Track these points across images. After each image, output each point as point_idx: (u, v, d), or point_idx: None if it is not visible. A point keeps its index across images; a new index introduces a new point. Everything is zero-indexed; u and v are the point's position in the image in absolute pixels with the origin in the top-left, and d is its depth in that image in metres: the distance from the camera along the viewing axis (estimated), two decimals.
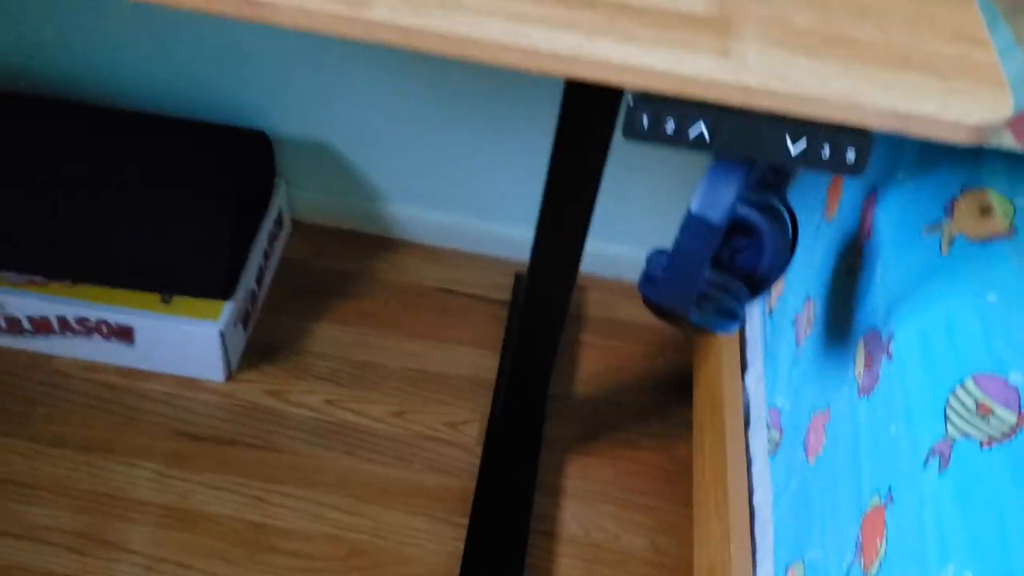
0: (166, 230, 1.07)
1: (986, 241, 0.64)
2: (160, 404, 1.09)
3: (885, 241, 0.70)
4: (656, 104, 0.49)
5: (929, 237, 0.67)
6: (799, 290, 0.84)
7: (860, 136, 0.49)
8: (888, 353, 0.64)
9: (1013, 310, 0.59)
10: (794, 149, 0.50)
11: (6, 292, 1.06)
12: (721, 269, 0.62)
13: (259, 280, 1.19)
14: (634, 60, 0.48)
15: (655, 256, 0.62)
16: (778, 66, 0.49)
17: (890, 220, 0.71)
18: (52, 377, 1.10)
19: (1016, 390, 0.56)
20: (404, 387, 1.15)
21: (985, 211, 0.66)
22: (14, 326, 1.08)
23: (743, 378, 0.97)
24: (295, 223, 1.31)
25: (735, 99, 0.49)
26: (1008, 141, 0.66)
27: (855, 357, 0.70)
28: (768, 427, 0.85)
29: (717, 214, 0.55)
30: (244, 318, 1.14)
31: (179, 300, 1.09)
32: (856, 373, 0.69)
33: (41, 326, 1.08)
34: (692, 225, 0.56)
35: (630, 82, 0.49)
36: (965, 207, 0.67)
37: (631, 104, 0.49)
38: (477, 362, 1.19)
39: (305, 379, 1.15)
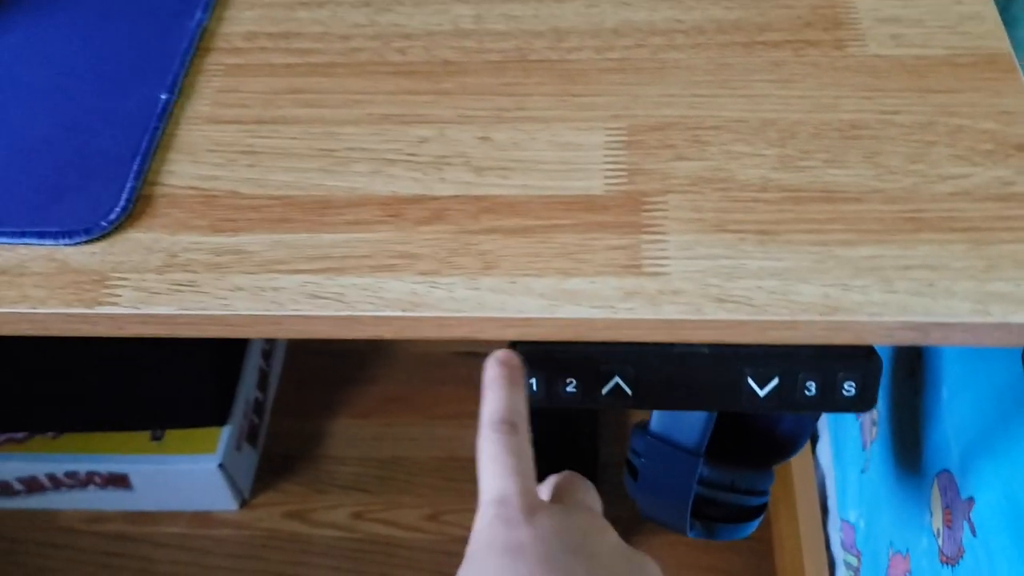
0: (140, 360, 0.96)
1: None
2: (173, 550, 0.99)
3: (948, 349, 0.52)
4: (545, 358, 0.33)
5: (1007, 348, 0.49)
6: None
7: (861, 359, 0.32)
8: (971, 523, 0.47)
9: None
10: (762, 391, 0.33)
11: None
12: (719, 456, 0.46)
13: (262, 385, 1.07)
14: (494, 303, 0.32)
15: (637, 435, 0.46)
16: (717, 273, 0.32)
17: None
18: (57, 536, 1.01)
19: None
20: (436, 482, 1.02)
21: None
22: (6, 489, 1.00)
23: (814, 450, 0.81)
24: None
25: (658, 337, 0.32)
26: None
27: (931, 503, 0.53)
28: (844, 547, 0.69)
29: (692, 436, 0.39)
30: (251, 434, 1.02)
31: (172, 434, 0.98)
32: (935, 527, 0.52)
33: (32, 486, 0.99)
34: (654, 449, 0.40)
35: (497, 334, 0.33)
36: None
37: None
38: None
39: (328, 491, 1.03)
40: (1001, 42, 0.39)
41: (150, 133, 0.38)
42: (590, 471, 0.98)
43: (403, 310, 0.32)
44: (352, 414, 1.08)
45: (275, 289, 0.33)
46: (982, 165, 0.35)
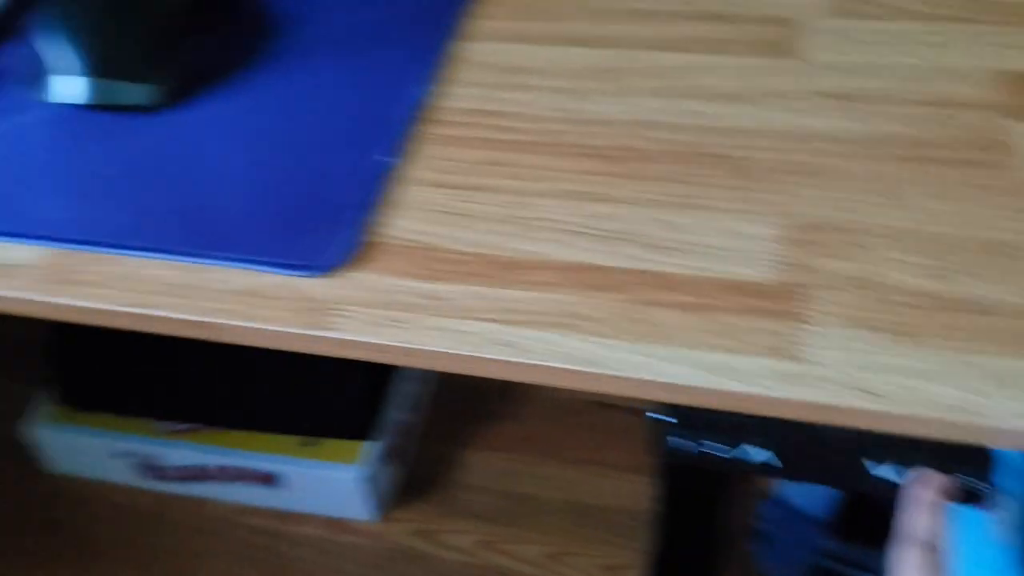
0: (303, 372, 1.04)
1: None
2: (311, 550, 1.07)
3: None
4: (697, 423, 0.38)
5: None
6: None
7: (982, 457, 0.35)
8: None
9: None
10: (896, 477, 0.36)
11: (161, 444, 1.08)
12: (851, 532, 0.49)
13: (415, 408, 1.14)
14: (659, 369, 0.37)
15: (767, 504, 0.50)
16: (860, 365, 0.36)
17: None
18: (209, 523, 1.10)
19: None
20: (562, 523, 1.07)
21: None
22: (171, 474, 1.10)
23: None
24: None
25: (802, 417, 0.36)
26: None
27: None
28: None
29: (821, 509, 0.43)
30: (397, 452, 1.09)
31: (323, 442, 1.06)
32: None
33: (194, 474, 1.09)
34: (782, 517, 0.44)
35: (658, 397, 0.38)
36: None
37: (655, 424, 0.38)
38: (639, 491, 1.08)
39: (459, 517, 1.09)
40: None
41: (375, 189, 0.45)
42: (715, 535, 1.00)
43: (576, 365, 0.38)
44: (489, 447, 1.14)
45: (468, 333, 0.39)
46: None
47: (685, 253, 0.41)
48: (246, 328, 0.41)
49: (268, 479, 1.06)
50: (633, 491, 1.07)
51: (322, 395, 1.03)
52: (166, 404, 1.08)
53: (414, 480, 1.11)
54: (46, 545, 1.10)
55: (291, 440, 1.05)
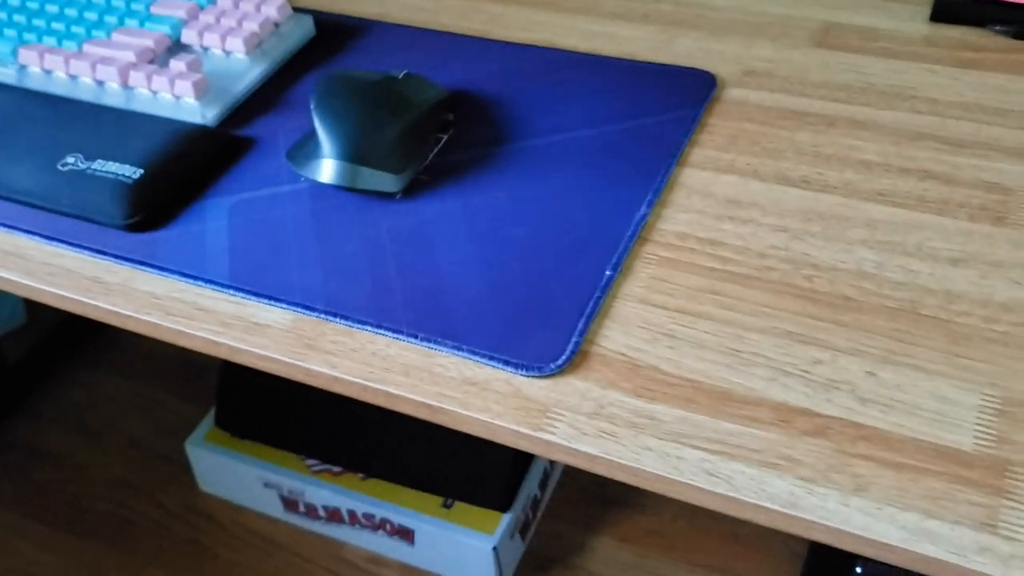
0: (453, 432, 1.08)
1: None
2: None
3: None
4: None
5: None
6: None
7: None
8: None
9: None
10: None
11: (308, 481, 1.12)
12: None
13: (543, 485, 1.16)
14: (860, 523, 0.38)
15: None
16: None
17: None
18: (339, 565, 1.14)
19: None
20: None
21: None
22: (313, 512, 1.14)
23: None
24: None
25: None
26: None
27: None
28: None
29: None
30: (523, 527, 1.12)
31: (460, 507, 1.09)
32: None
33: (334, 516, 1.13)
34: None
35: (855, 550, 0.39)
36: None
37: (859, 574, 0.39)
38: None
39: None
40: None
41: (594, 300, 0.48)
42: None
43: (781, 507, 0.39)
44: (614, 535, 1.14)
45: (678, 458, 0.41)
46: None
47: (893, 410, 0.42)
48: (465, 416, 0.44)
49: (405, 534, 1.10)
50: None
51: (470, 460, 1.06)
52: (317, 444, 1.13)
53: (539, 558, 1.13)
54: (186, 560, 1.16)
55: (433, 500, 1.09)
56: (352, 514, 1.12)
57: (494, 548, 1.05)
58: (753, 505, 0.40)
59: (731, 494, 0.40)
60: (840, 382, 0.43)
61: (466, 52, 0.65)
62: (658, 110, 0.59)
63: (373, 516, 1.10)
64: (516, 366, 0.45)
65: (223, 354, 0.48)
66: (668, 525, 1.16)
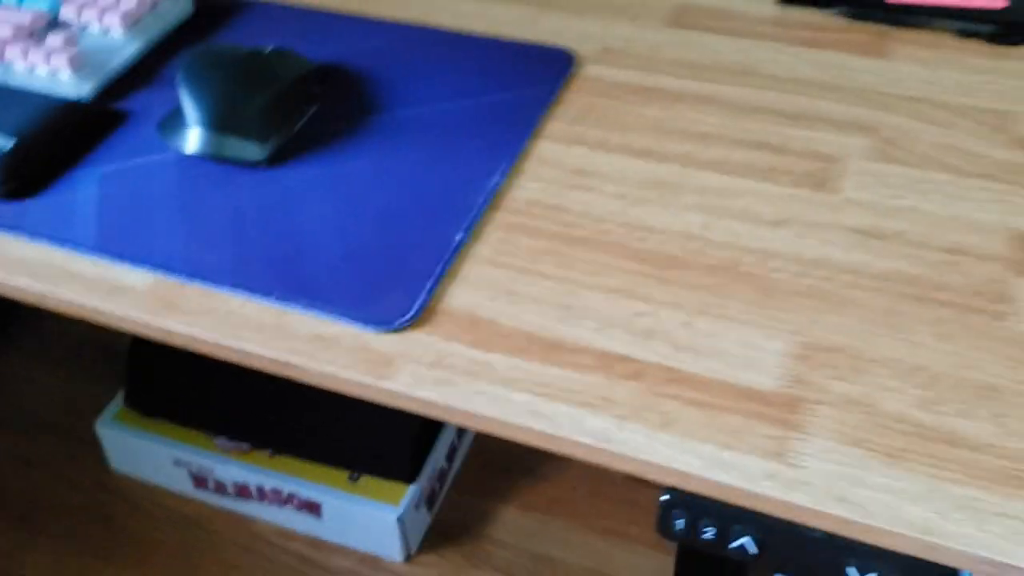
0: (360, 411, 1.10)
1: None
2: None
3: None
4: (694, 506, 0.42)
5: None
6: None
7: (946, 575, 0.40)
8: None
9: None
10: None
11: (217, 459, 1.14)
12: None
13: (450, 457, 1.19)
14: (663, 454, 0.42)
15: None
16: (843, 477, 0.41)
17: None
18: (250, 540, 1.16)
19: None
20: None
21: None
22: (221, 489, 1.16)
23: None
24: None
25: (783, 515, 0.41)
26: None
27: None
28: None
29: None
30: (430, 498, 1.15)
31: (366, 480, 1.11)
32: None
33: (243, 492, 1.15)
34: None
35: (659, 479, 0.43)
36: None
37: (663, 503, 0.43)
38: (662, 568, 1.12)
39: (482, 568, 1.13)
40: None
41: (444, 262, 0.51)
42: None
43: (595, 441, 0.43)
44: (519, 504, 1.18)
45: (507, 400, 0.45)
46: None
47: (704, 356, 0.46)
48: (313, 370, 0.47)
49: (312, 507, 1.12)
50: (656, 569, 1.11)
51: (375, 434, 1.09)
52: (226, 422, 1.15)
53: (444, 528, 1.16)
54: (98, 538, 1.17)
55: (340, 474, 1.11)
56: (260, 490, 1.14)
57: (399, 518, 1.08)
58: (571, 441, 0.43)
59: (552, 431, 0.43)
60: (659, 332, 0.47)
61: (341, 29, 0.68)
62: (519, 85, 0.62)
63: (281, 491, 1.13)
64: (365, 322, 0.48)
65: (87, 316, 0.50)
66: (570, 492, 1.19)
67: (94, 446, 1.24)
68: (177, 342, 0.49)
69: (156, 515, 1.21)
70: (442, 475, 1.18)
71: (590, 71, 0.64)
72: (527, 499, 1.20)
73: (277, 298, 0.49)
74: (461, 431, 1.22)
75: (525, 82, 0.62)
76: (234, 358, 0.49)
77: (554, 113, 0.60)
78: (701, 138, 0.58)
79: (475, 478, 1.22)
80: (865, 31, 0.66)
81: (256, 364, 0.48)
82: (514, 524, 1.17)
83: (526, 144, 0.58)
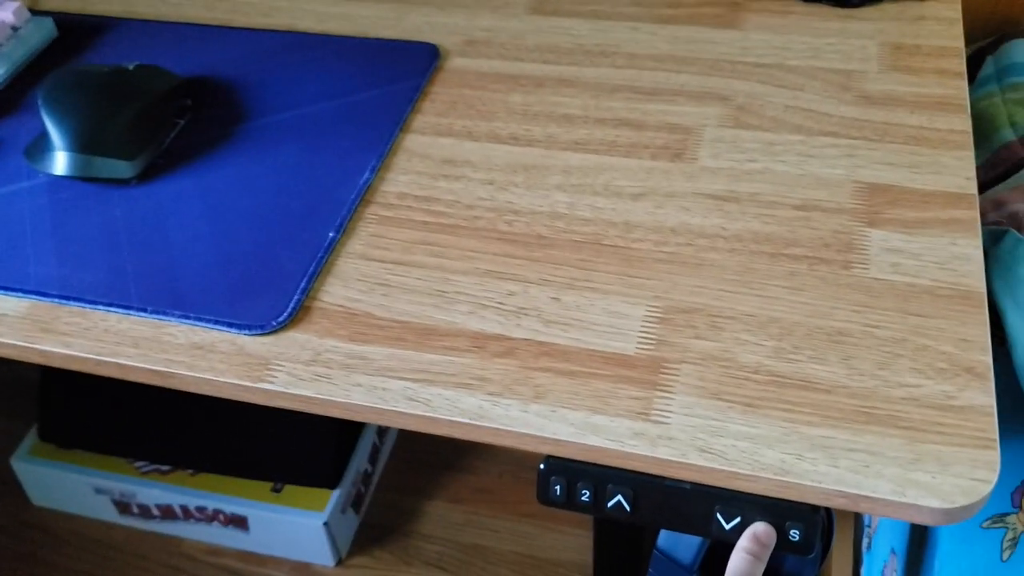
0: (275, 423, 1.10)
1: None
2: None
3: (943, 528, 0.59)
4: (569, 471, 0.44)
5: (990, 532, 0.56)
6: (886, 538, 0.74)
7: (807, 512, 0.42)
8: None
9: None
10: (727, 525, 0.43)
11: (138, 483, 1.13)
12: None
13: (373, 459, 1.20)
14: (536, 424, 0.44)
15: (654, 557, 0.56)
16: (704, 430, 0.43)
17: None
18: (179, 560, 1.16)
19: None
20: (512, 575, 1.12)
21: None
22: (146, 512, 1.15)
23: None
24: None
25: (652, 470, 0.43)
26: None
27: None
28: None
29: (688, 555, 0.49)
30: (356, 501, 1.15)
31: (290, 489, 1.12)
32: None
33: (168, 513, 1.14)
34: (659, 563, 0.50)
35: (535, 448, 0.44)
36: None
37: (541, 471, 0.45)
38: (587, 545, 1.14)
39: (414, 564, 1.14)
40: (979, 281, 0.48)
41: (317, 261, 0.52)
42: None
43: (470, 419, 0.44)
44: (446, 498, 1.19)
45: (384, 389, 0.46)
46: (933, 379, 0.44)
47: (572, 328, 0.48)
48: (192, 378, 0.47)
49: (239, 522, 1.12)
50: (581, 545, 1.13)
51: (295, 444, 1.09)
52: (144, 445, 1.14)
53: (373, 529, 1.17)
54: (22, 574, 1.15)
55: (263, 486, 1.11)
56: (185, 509, 1.13)
57: (325, 524, 1.08)
58: (448, 421, 0.45)
59: (428, 414, 0.45)
60: (529, 309, 0.49)
61: (208, 41, 0.68)
62: (385, 82, 0.63)
63: (206, 508, 1.12)
64: (240, 327, 0.49)
65: None
66: (495, 482, 1.21)
67: (12, 483, 1.22)
68: (56, 363, 0.49)
69: (81, 545, 1.19)
70: (366, 477, 1.19)
71: (455, 63, 0.65)
72: (453, 492, 1.21)
73: (152, 312, 0.50)
74: (382, 432, 1.23)
75: (391, 78, 0.63)
76: (115, 373, 0.49)
77: (421, 107, 0.62)
78: (564, 120, 0.60)
79: (401, 477, 1.23)
80: (719, 4, 0.69)
81: (137, 377, 0.49)
82: (442, 518, 1.18)
83: (395, 139, 0.59)
